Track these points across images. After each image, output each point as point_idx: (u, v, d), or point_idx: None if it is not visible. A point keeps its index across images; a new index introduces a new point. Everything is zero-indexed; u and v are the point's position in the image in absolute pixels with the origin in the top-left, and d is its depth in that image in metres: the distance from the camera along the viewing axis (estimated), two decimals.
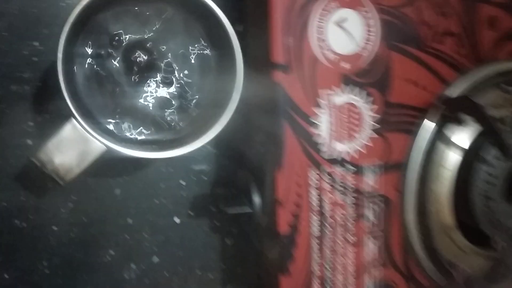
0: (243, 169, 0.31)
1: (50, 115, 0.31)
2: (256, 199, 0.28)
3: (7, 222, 0.31)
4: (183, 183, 0.34)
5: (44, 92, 0.30)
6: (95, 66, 0.24)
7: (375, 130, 0.29)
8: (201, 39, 0.26)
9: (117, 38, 0.25)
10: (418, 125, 0.29)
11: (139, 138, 0.25)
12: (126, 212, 0.33)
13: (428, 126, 0.29)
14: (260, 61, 0.28)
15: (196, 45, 0.26)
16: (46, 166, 0.22)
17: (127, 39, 0.25)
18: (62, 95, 0.24)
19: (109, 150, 0.23)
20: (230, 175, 0.33)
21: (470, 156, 0.29)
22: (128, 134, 0.25)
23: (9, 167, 0.31)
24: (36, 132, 0.30)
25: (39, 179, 0.30)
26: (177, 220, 0.34)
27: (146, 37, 0.25)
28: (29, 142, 0.30)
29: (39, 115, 0.30)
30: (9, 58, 0.30)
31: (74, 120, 0.22)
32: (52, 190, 0.31)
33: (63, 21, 0.31)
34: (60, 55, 0.21)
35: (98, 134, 0.22)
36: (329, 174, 0.28)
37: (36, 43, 0.30)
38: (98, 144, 0.22)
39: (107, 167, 0.32)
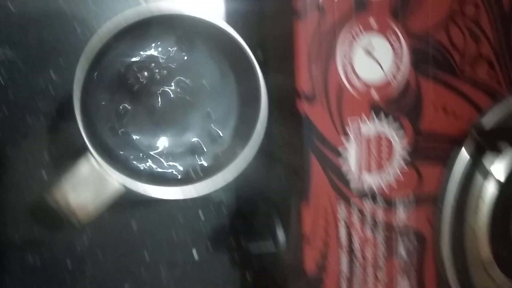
0: (265, 202, 0.30)
1: (66, 147, 0.30)
2: (280, 235, 0.27)
3: (20, 258, 0.30)
4: (202, 215, 0.33)
5: (59, 124, 0.30)
6: (114, 101, 0.23)
7: (406, 162, 0.27)
8: (223, 70, 0.25)
9: (137, 71, 0.24)
10: (452, 155, 0.28)
11: (159, 174, 0.24)
12: (143, 246, 0.32)
13: (464, 156, 0.28)
14: (283, 90, 0.26)
15: (217, 77, 0.25)
16: (62, 207, 0.21)
17: (147, 73, 0.24)
18: (78, 128, 0.23)
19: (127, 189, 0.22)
20: (252, 208, 0.32)
21: (509, 188, 0.27)
22: (147, 170, 0.24)
23: (23, 200, 0.30)
24: (51, 164, 0.30)
25: (53, 213, 0.29)
26: (195, 254, 0.33)
27: (165, 70, 0.24)
28: (44, 174, 0.30)
29: (55, 147, 0.30)
30: (25, 89, 0.29)
31: (91, 158, 0.21)
32: (66, 225, 0.30)
33: (80, 51, 0.30)
34: (77, 91, 0.20)
35: (116, 170, 0.21)
36: (359, 208, 0.26)
37: (52, 74, 0.29)
38: (116, 184, 0.21)
39: (123, 198, 0.31)
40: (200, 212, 0.33)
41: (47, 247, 0.30)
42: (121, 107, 0.23)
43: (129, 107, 0.24)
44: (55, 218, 0.29)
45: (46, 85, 0.29)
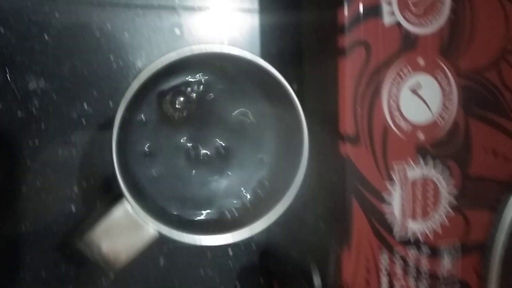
0: (302, 245, 0.28)
1: (96, 181, 0.29)
2: (317, 282, 0.25)
3: None
4: (231, 252, 0.32)
5: (91, 156, 0.29)
6: (152, 146, 0.22)
7: (453, 207, 0.25)
8: (263, 111, 0.24)
9: (177, 108, 0.23)
10: (502, 201, 0.26)
11: (195, 219, 0.23)
12: (170, 283, 0.31)
13: None
14: (325, 131, 0.25)
15: (258, 119, 0.24)
16: (94, 254, 0.20)
17: (186, 111, 0.23)
18: (112, 164, 0.22)
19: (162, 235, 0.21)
20: (286, 250, 0.30)
21: None
22: (183, 215, 0.23)
23: (51, 235, 0.29)
24: (80, 198, 0.29)
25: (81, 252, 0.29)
26: None
27: (200, 110, 0.23)
28: (73, 208, 0.29)
29: (85, 181, 0.29)
30: (57, 120, 0.28)
31: (126, 202, 0.20)
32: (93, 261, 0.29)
33: (115, 83, 0.30)
34: (115, 134, 0.19)
35: (152, 217, 0.20)
36: (402, 257, 0.25)
37: (85, 105, 0.29)
38: (151, 230, 0.20)
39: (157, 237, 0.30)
40: (229, 249, 0.31)
41: (73, 282, 0.29)
42: (158, 151, 0.23)
43: (167, 152, 0.23)
44: (82, 254, 0.29)
45: (79, 117, 0.29)
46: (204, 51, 0.20)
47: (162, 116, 0.24)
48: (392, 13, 0.24)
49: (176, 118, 0.23)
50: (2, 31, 0.28)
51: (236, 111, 0.24)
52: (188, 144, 0.24)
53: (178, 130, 0.24)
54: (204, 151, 0.24)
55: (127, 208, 0.20)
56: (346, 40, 0.23)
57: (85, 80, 0.29)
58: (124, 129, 0.20)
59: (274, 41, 0.32)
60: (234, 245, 0.32)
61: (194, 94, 0.23)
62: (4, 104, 0.28)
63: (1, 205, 0.28)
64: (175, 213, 0.23)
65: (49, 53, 0.28)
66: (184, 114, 0.23)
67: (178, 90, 0.24)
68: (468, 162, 0.26)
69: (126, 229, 0.20)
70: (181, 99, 0.24)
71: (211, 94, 0.24)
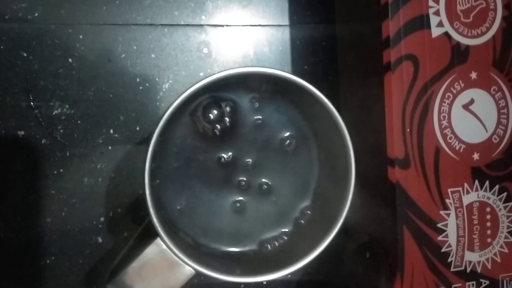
0: (342, 278, 0.26)
1: (123, 210, 0.27)
2: None
3: None
4: (265, 282, 0.30)
5: (118, 184, 0.27)
6: (186, 182, 0.21)
7: None
8: (302, 135, 0.22)
9: (210, 121, 0.21)
10: None
11: (230, 254, 0.21)
12: None
13: None
14: (373, 155, 0.23)
15: (294, 145, 0.22)
16: None
17: (221, 126, 0.21)
18: (139, 192, 0.21)
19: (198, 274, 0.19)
20: (324, 283, 0.28)
21: None
22: (213, 247, 0.21)
23: (77, 267, 0.27)
24: (107, 229, 0.27)
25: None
26: None
27: (238, 135, 0.22)
28: (100, 239, 0.27)
29: (112, 210, 0.27)
30: (82, 147, 0.27)
31: (159, 240, 0.18)
32: None
33: (141, 105, 0.28)
34: (148, 168, 0.18)
35: (186, 255, 0.18)
36: None
37: (111, 131, 0.27)
38: (186, 268, 0.18)
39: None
40: (264, 281, 0.29)
41: None
42: (192, 180, 0.21)
43: (202, 180, 0.21)
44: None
45: (105, 142, 0.27)
46: (242, 71, 0.19)
47: (196, 138, 0.22)
48: (440, 24, 0.22)
49: (210, 134, 0.21)
50: (25, 55, 0.27)
51: (278, 136, 0.22)
52: (225, 171, 0.22)
53: (214, 155, 0.22)
54: (243, 178, 0.23)
55: (161, 246, 0.18)
56: (392, 54, 0.22)
57: (110, 104, 0.28)
58: (156, 159, 0.18)
59: (306, 57, 0.30)
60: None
61: (228, 108, 0.21)
62: (28, 131, 0.27)
63: (26, 237, 0.27)
64: (210, 246, 0.22)
65: (73, 77, 0.27)
66: (219, 130, 0.21)
67: (208, 103, 0.22)
68: None
69: (160, 269, 0.18)
70: (214, 111, 0.22)
71: (259, 118, 0.22)
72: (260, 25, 0.29)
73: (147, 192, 0.17)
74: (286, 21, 0.30)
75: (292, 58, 0.30)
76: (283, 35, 0.30)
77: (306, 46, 0.30)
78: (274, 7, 0.30)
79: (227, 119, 0.22)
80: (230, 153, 0.22)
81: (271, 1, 0.29)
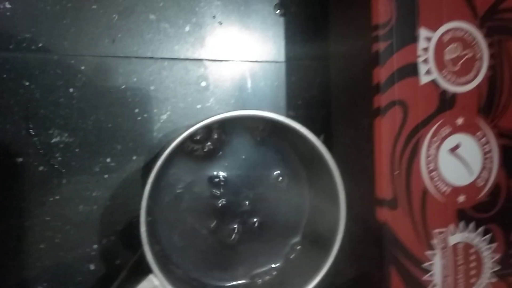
0: None
1: (117, 237, 0.28)
2: None
3: None
4: None
5: (112, 213, 0.28)
6: (178, 202, 0.21)
7: (496, 274, 0.24)
8: (294, 172, 0.23)
9: (204, 173, 0.22)
10: None
11: (217, 287, 0.22)
12: None
13: None
14: (362, 196, 0.24)
15: (287, 182, 0.23)
16: None
17: (213, 174, 0.22)
18: (134, 223, 0.21)
19: None
20: None
21: None
22: (204, 282, 0.22)
23: None
24: (100, 256, 0.28)
25: None
26: None
27: (231, 173, 0.22)
28: (92, 267, 0.28)
29: (105, 238, 0.28)
30: (79, 175, 0.28)
31: (153, 277, 0.19)
32: None
33: (138, 136, 0.29)
34: (144, 204, 0.18)
35: None
36: None
37: (108, 159, 0.28)
38: None
39: None
40: None
41: None
42: (185, 215, 0.22)
43: (195, 215, 0.22)
44: None
45: (101, 171, 0.28)
46: (235, 114, 0.20)
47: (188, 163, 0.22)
48: (429, 71, 0.23)
49: (200, 152, 0.22)
50: (27, 84, 0.27)
51: (271, 173, 0.23)
52: (220, 205, 0.23)
53: (208, 192, 0.23)
54: (236, 213, 0.23)
55: (154, 283, 0.19)
56: (382, 99, 0.23)
57: (109, 133, 0.28)
58: (154, 191, 0.19)
59: (300, 93, 0.31)
60: None
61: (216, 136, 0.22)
62: (26, 158, 0.27)
63: (19, 263, 0.27)
64: (201, 281, 0.22)
65: (73, 106, 0.28)
66: (207, 148, 0.22)
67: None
68: (511, 225, 0.24)
69: None
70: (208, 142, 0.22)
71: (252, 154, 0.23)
72: (257, 61, 0.30)
73: (142, 229, 0.18)
74: (282, 58, 0.31)
75: (287, 93, 0.31)
76: (279, 71, 0.31)
77: (301, 82, 0.31)
78: (272, 43, 0.31)
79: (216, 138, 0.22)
80: (224, 192, 0.22)
81: (268, 38, 0.31)
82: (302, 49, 0.31)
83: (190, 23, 0.29)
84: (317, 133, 0.30)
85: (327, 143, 0.31)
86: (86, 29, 0.28)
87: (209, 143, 0.22)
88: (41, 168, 0.28)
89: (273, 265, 0.23)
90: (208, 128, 0.20)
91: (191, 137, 0.20)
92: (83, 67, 0.28)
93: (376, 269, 0.23)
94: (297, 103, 0.31)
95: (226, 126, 0.22)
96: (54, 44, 0.28)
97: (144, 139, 0.29)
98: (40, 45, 0.28)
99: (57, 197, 0.28)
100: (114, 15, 0.29)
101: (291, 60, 0.31)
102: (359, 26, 0.24)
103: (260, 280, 0.23)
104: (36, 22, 0.28)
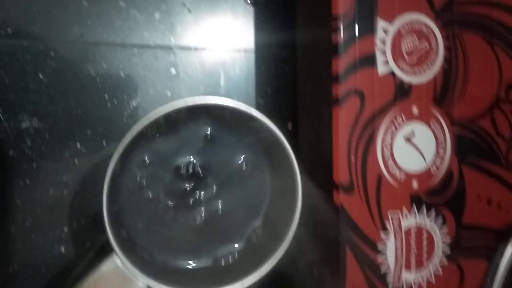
0: None
1: (87, 221, 0.29)
2: None
3: None
4: None
5: (82, 197, 0.28)
6: (142, 188, 0.22)
7: (447, 256, 0.25)
8: (257, 161, 0.24)
9: (167, 158, 0.23)
10: (497, 250, 0.26)
11: (188, 268, 0.23)
12: None
13: (509, 251, 0.26)
14: (319, 180, 0.25)
15: (251, 168, 0.24)
16: None
17: (176, 159, 0.23)
18: (102, 212, 0.22)
19: None
20: None
21: None
22: (175, 265, 0.23)
23: (39, 276, 0.28)
24: (70, 239, 0.28)
25: None
26: None
27: (196, 157, 0.23)
28: (63, 250, 0.28)
29: (75, 221, 0.28)
30: (49, 160, 0.28)
31: (115, 256, 0.19)
32: None
33: (108, 122, 0.30)
34: (106, 187, 0.19)
35: (141, 270, 0.20)
36: None
37: (78, 145, 0.29)
38: (140, 285, 0.20)
39: None
40: None
41: None
42: (150, 198, 0.22)
43: (159, 198, 0.22)
44: None
45: (71, 156, 0.28)
46: (198, 103, 0.20)
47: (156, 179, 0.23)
48: (386, 63, 0.24)
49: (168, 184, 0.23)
50: None
51: (235, 159, 0.24)
52: (184, 190, 0.23)
53: (172, 177, 0.24)
54: (200, 197, 0.24)
55: (116, 263, 0.20)
56: (341, 89, 0.23)
57: (79, 119, 0.29)
58: (117, 177, 0.20)
59: (269, 81, 0.32)
60: None
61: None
62: None
63: None
64: (166, 261, 0.23)
65: (43, 92, 0.28)
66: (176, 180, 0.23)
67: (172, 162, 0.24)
68: (462, 211, 0.26)
69: (114, 285, 0.19)
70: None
71: (205, 160, 0.24)
72: (226, 49, 0.31)
73: (105, 213, 0.19)
74: (252, 46, 0.32)
75: (256, 82, 0.32)
76: (249, 60, 0.32)
77: (270, 70, 0.32)
78: (241, 32, 0.31)
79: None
80: (186, 162, 0.23)
81: (238, 27, 0.31)
82: (271, 38, 0.32)
83: (159, 10, 0.30)
84: (285, 120, 0.32)
85: (294, 130, 0.32)
86: (56, 15, 0.28)
87: (172, 130, 0.23)
88: (11, 153, 0.28)
89: (236, 247, 0.24)
90: (172, 115, 0.20)
91: (153, 124, 0.20)
92: (52, 53, 0.28)
93: (333, 251, 0.24)
94: (266, 91, 0.32)
95: (190, 113, 0.22)
96: (23, 30, 0.28)
97: (114, 125, 0.29)
98: (9, 31, 0.28)
99: (27, 181, 0.28)
100: (83, 2, 0.29)
101: (260, 49, 0.31)
102: (321, 16, 0.25)
103: (223, 261, 0.24)
104: (5, 8, 0.28)
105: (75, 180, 0.29)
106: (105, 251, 0.20)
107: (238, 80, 0.31)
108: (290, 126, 0.31)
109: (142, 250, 0.22)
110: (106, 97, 0.29)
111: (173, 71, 0.30)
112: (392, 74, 0.24)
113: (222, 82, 0.31)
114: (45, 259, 0.28)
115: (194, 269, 0.23)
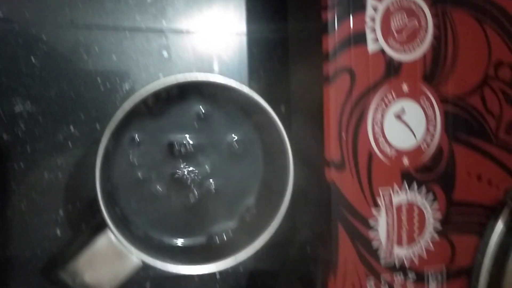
0: (288, 272, 0.28)
1: (82, 204, 0.29)
2: None
3: None
4: (218, 276, 0.31)
5: (77, 179, 0.29)
6: (134, 167, 0.22)
7: (438, 232, 0.26)
8: (249, 138, 0.24)
9: (159, 137, 0.23)
10: (488, 226, 0.26)
11: (182, 245, 0.23)
12: None
13: (499, 227, 0.26)
14: (311, 157, 0.25)
15: (243, 145, 0.24)
16: (76, 283, 0.20)
17: (168, 138, 0.23)
18: (95, 188, 0.22)
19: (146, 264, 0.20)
20: (273, 276, 0.30)
21: None
22: (169, 242, 0.23)
23: (35, 259, 0.28)
24: (66, 222, 0.29)
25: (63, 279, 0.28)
26: None
27: (188, 136, 0.23)
28: (58, 232, 0.28)
29: (70, 204, 0.29)
30: (43, 143, 0.28)
31: (109, 232, 0.20)
32: None
33: (101, 105, 0.30)
34: (99, 162, 0.19)
35: (135, 246, 0.20)
36: (388, 283, 0.25)
37: (71, 128, 0.29)
38: (134, 259, 0.20)
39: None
40: (217, 273, 0.31)
41: None
42: (144, 175, 0.22)
43: (153, 175, 0.23)
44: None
45: (65, 139, 0.28)
46: (189, 79, 0.20)
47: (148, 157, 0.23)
48: (376, 40, 0.24)
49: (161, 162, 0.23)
50: None
51: (224, 137, 0.24)
52: (177, 168, 0.24)
53: (165, 152, 0.24)
54: (192, 175, 0.24)
55: (110, 238, 0.20)
56: (331, 67, 0.24)
57: (72, 102, 0.29)
58: (109, 156, 0.20)
59: (262, 64, 0.32)
60: (222, 271, 0.31)
61: (184, 146, 0.23)
62: None
63: None
64: (160, 239, 0.23)
65: (35, 76, 0.28)
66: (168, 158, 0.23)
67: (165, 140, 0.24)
68: (452, 187, 0.26)
69: (109, 259, 0.20)
70: (170, 148, 0.23)
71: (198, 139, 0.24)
72: (218, 32, 0.31)
73: (98, 189, 0.19)
74: (243, 29, 0.32)
75: (248, 65, 0.32)
76: (241, 43, 0.32)
77: (262, 53, 0.32)
78: (233, 15, 0.31)
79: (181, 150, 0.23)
80: (178, 141, 0.23)
81: (230, 10, 0.31)
82: (263, 21, 0.32)
83: None
84: (278, 103, 0.32)
85: (287, 113, 0.32)
86: None
87: (164, 109, 0.23)
88: (5, 137, 0.28)
89: (230, 225, 0.25)
90: (163, 93, 0.21)
91: (145, 101, 0.21)
92: (44, 37, 0.28)
93: (325, 227, 0.24)
94: (259, 74, 0.32)
95: (181, 91, 0.22)
96: (15, 13, 0.28)
97: (107, 109, 0.30)
98: (0, 15, 0.28)
99: (21, 165, 0.28)
100: None
101: (252, 32, 0.32)
102: None
103: (217, 238, 0.24)
104: None
105: (70, 163, 0.29)
106: (100, 228, 0.21)
107: (231, 63, 0.31)
108: (283, 109, 0.32)
109: (136, 229, 0.23)
110: (99, 80, 0.29)
111: (165, 54, 0.30)
112: (382, 51, 0.24)
113: (214, 65, 0.31)
114: (40, 242, 0.29)
115: (188, 246, 0.23)
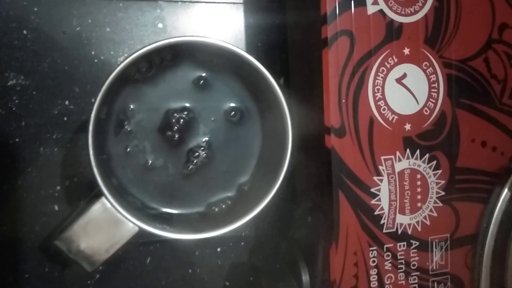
0: (290, 242, 0.28)
1: (79, 179, 0.28)
2: (305, 278, 0.25)
3: None
4: (219, 249, 0.31)
5: (74, 154, 0.28)
6: (130, 137, 0.22)
7: (441, 199, 0.25)
8: (247, 105, 0.24)
9: (154, 106, 0.22)
10: (492, 192, 0.26)
11: (175, 214, 0.22)
12: (157, 283, 0.30)
13: (504, 194, 0.25)
14: (310, 124, 0.25)
15: (240, 113, 0.23)
16: (71, 251, 0.19)
17: (164, 107, 0.22)
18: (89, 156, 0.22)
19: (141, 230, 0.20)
20: (274, 246, 0.30)
21: None
22: (162, 210, 0.23)
23: (33, 234, 0.28)
24: (63, 197, 0.28)
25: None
26: None
27: (185, 105, 0.23)
28: (56, 207, 0.28)
29: (68, 179, 0.28)
30: (38, 118, 0.28)
31: (104, 199, 0.19)
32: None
33: (97, 80, 0.29)
34: (91, 128, 0.19)
35: (130, 213, 0.20)
36: (392, 253, 0.24)
37: (66, 102, 0.28)
38: (130, 226, 0.20)
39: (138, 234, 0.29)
40: (219, 248, 0.31)
41: (58, 283, 0.29)
42: (141, 147, 0.22)
43: (150, 146, 0.22)
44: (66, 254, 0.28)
45: (60, 114, 0.28)
46: (183, 40, 0.20)
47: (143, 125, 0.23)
48: (376, 1, 0.24)
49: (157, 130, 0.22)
50: None
51: (224, 107, 0.24)
52: (173, 137, 0.23)
53: (163, 122, 0.23)
54: (190, 145, 0.24)
55: (105, 204, 0.19)
56: (329, 30, 0.23)
57: (66, 76, 0.28)
58: (104, 125, 0.19)
59: (260, 35, 0.31)
60: (222, 242, 0.31)
61: (181, 124, 0.22)
62: None
63: None
64: (158, 209, 0.23)
65: (28, 49, 0.28)
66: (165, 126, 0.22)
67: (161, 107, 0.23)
68: (456, 153, 0.25)
69: (104, 226, 0.19)
70: (167, 117, 0.22)
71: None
72: (214, 2, 0.30)
73: (91, 155, 0.18)
74: (241, 0, 0.31)
75: (246, 35, 0.31)
76: (238, 13, 0.31)
77: (259, 24, 0.31)
78: None
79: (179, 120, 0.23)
80: (175, 109, 0.23)
81: None
82: None
83: None
84: (277, 75, 0.31)
85: (286, 85, 0.32)
86: None
87: (159, 77, 0.22)
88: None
89: (228, 195, 0.24)
90: (158, 58, 0.20)
91: (138, 68, 0.20)
92: (36, 9, 0.28)
93: (326, 196, 0.24)
94: (256, 46, 0.31)
95: (175, 56, 0.22)
96: None
97: (102, 82, 0.29)
98: None
99: (17, 140, 0.28)
100: None
101: (249, 1, 0.31)
102: None
103: (216, 208, 0.24)
104: None
105: (66, 138, 0.28)
106: (96, 197, 0.20)
107: (228, 34, 0.31)
108: (282, 81, 0.31)
109: (133, 198, 0.22)
110: (93, 53, 0.28)
111: (160, 25, 0.30)
112: (382, 13, 0.23)
113: (211, 35, 0.31)
114: (38, 218, 0.28)
115: (186, 214, 0.23)
